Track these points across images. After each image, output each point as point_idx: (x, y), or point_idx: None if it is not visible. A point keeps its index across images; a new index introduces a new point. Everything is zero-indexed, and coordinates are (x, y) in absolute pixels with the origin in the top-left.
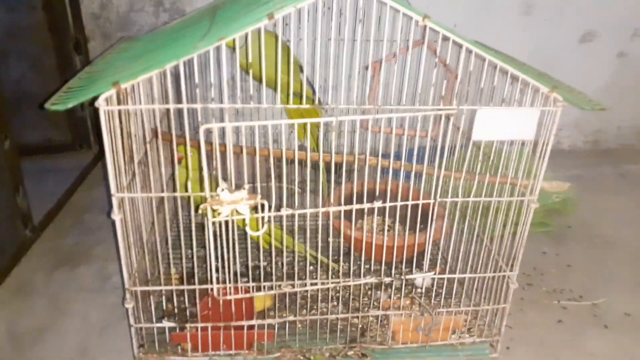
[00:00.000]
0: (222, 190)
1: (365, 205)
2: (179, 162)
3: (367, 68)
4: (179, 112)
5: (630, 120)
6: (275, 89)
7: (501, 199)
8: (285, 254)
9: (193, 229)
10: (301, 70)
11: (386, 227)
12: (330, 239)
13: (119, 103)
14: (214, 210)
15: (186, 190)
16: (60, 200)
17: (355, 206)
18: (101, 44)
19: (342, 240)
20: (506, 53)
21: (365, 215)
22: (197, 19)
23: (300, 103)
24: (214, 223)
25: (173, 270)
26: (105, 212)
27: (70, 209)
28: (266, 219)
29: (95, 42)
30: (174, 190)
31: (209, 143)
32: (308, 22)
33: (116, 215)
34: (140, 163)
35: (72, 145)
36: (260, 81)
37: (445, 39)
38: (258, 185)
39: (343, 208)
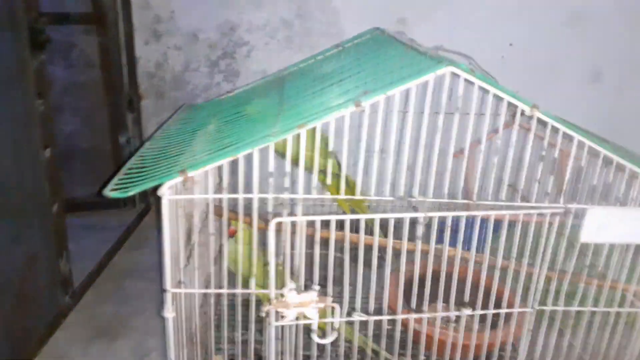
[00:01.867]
0: (290, 290)
1: (451, 313)
2: (231, 235)
3: (457, 155)
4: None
5: None
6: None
7: (611, 309)
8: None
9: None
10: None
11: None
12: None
13: (183, 191)
14: (278, 314)
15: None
16: (101, 262)
17: (440, 314)
18: (154, 103)
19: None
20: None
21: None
22: (264, 92)
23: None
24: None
25: (218, 358)
26: (145, 278)
27: (111, 273)
28: (336, 325)
29: (149, 101)
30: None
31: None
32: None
33: (169, 313)
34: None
35: (116, 202)
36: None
37: (555, 130)
38: (330, 286)
39: (428, 315)
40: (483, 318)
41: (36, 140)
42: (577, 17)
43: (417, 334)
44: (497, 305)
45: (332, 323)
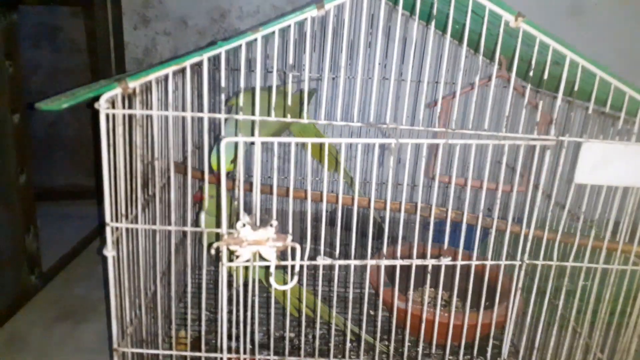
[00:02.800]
0: (244, 225)
1: (429, 262)
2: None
3: (432, 106)
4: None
5: None
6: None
7: (610, 266)
8: (318, 325)
9: (204, 284)
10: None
11: (439, 302)
12: (380, 312)
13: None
14: (231, 252)
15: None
16: (75, 247)
17: (416, 261)
18: None
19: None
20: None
21: (412, 286)
22: None
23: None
24: (229, 273)
25: (182, 333)
26: None
27: (85, 259)
28: (297, 269)
29: None
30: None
31: (230, 179)
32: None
33: (109, 251)
34: (148, 193)
35: (98, 192)
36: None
37: (544, 47)
38: (290, 225)
39: (400, 262)
40: (475, 303)
41: (3, 104)
42: (578, 9)
43: (402, 313)
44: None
45: (292, 267)
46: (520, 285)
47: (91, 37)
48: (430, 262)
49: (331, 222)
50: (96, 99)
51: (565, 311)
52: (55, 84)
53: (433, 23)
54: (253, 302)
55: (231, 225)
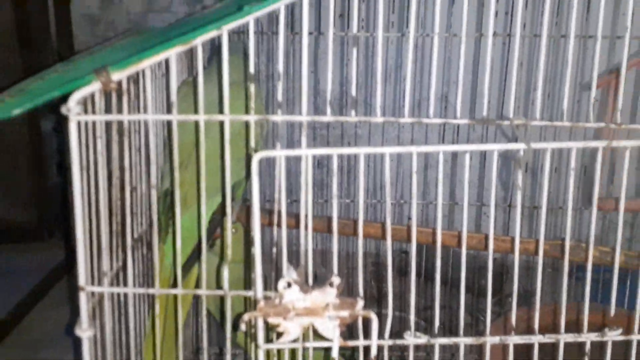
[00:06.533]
0: (289, 285)
1: (587, 337)
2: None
3: (589, 87)
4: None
5: None
6: None
7: None
8: None
9: None
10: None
11: None
12: None
13: (106, 111)
14: (270, 328)
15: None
16: (4, 321)
17: (564, 336)
18: None
19: None
20: None
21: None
22: None
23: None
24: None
25: None
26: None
27: (20, 338)
28: (373, 353)
29: None
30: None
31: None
32: None
33: (84, 330)
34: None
35: (37, 231)
36: None
37: None
38: (360, 280)
39: (540, 339)
40: None
41: None
42: None
43: None
44: None
45: (365, 349)
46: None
47: None
48: (588, 337)
49: (422, 274)
50: (63, 98)
51: None
52: None
53: None
54: None
55: (267, 285)
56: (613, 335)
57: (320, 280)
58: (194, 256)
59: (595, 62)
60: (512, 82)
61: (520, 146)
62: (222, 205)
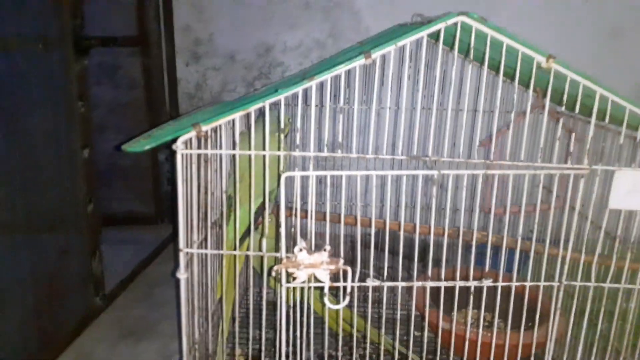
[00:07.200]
0: (300, 250)
1: (472, 284)
2: (257, 227)
3: (483, 145)
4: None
5: None
6: None
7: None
8: (367, 345)
9: (264, 304)
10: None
11: (482, 323)
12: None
13: (198, 147)
14: (288, 274)
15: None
16: (134, 271)
17: (459, 283)
18: None
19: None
20: None
21: (456, 307)
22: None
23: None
24: (287, 299)
25: (238, 352)
26: (175, 287)
27: (143, 281)
28: (348, 290)
29: None
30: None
31: (288, 208)
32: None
33: (182, 274)
34: (214, 224)
35: (154, 218)
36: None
37: (574, 85)
38: (341, 249)
39: (444, 284)
40: (516, 323)
41: (76, 140)
42: (619, 31)
43: (446, 333)
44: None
45: (344, 288)
46: (559, 305)
47: (147, 74)
48: (472, 283)
49: (379, 247)
50: (173, 140)
51: (607, 333)
52: (115, 118)
53: (471, 55)
54: (308, 320)
55: (288, 249)
56: (487, 283)
57: (318, 247)
58: (246, 233)
59: (478, 129)
60: (430, 134)
61: (434, 172)
62: (263, 204)
